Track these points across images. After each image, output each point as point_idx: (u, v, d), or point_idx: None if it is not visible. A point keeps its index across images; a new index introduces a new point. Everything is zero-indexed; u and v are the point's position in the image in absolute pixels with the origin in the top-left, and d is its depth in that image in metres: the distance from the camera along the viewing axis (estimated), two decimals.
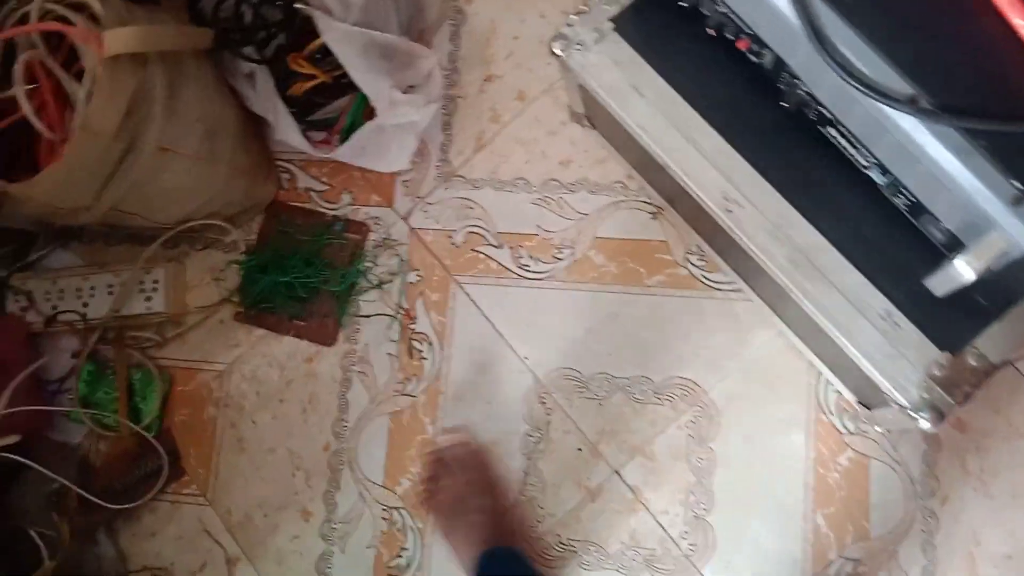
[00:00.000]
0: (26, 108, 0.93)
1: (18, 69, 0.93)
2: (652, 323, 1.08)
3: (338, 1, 1.02)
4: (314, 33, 1.02)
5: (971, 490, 0.99)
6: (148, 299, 1.14)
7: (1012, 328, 0.80)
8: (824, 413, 1.03)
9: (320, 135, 1.13)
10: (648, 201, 1.10)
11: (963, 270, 0.68)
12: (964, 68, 0.65)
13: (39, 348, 1.16)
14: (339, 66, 1.02)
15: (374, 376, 1.12)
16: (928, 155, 0.68)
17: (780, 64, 0.80)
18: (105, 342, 1.15)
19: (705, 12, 0.86)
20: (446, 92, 1.17)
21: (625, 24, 0.92)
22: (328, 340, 1.13)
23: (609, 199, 1.11)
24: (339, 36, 1.01)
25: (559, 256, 1.11)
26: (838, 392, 1.02)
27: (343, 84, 1.07)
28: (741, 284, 1.06)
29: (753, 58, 0.84)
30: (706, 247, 1.07)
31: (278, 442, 1.13)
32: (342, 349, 1.13)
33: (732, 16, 0.82)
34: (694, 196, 0.88)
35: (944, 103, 0.65)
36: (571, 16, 0.93)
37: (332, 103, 1.11)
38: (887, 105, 0.67)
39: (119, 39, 0.86)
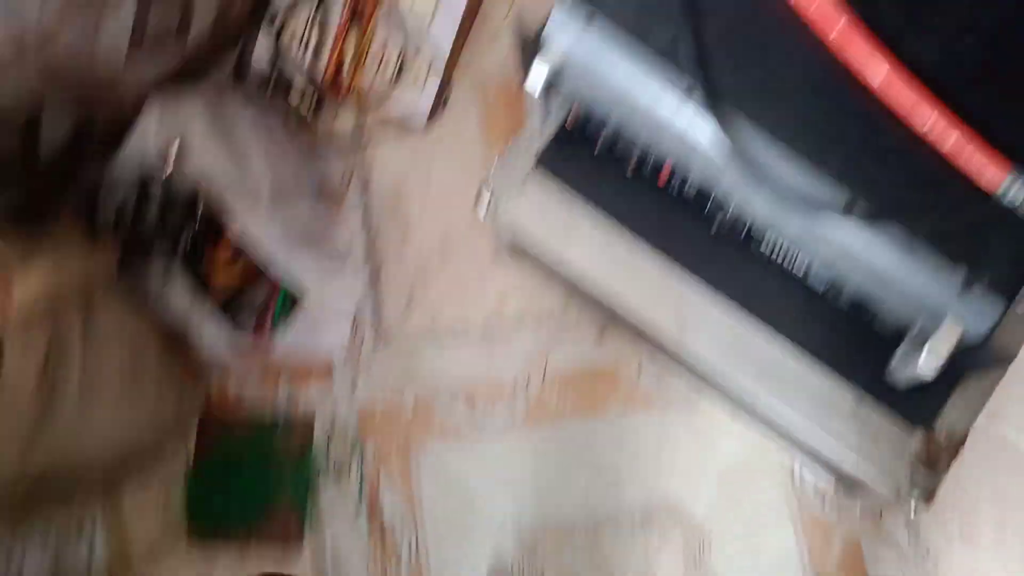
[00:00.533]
0: None
1: None
2: (621, 449, 1.06)
3: (242, 185, 1.00)
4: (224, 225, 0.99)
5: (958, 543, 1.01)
6: (89, 543, 1.04)
7: (970, 394, 0.84)
8: (807, 504, 1.04)
9: (249, 330, 1.09)
10: (593, 323, 1.11)
11: (926, 368, 0.71)
12: (895, 168, 0.69)
13: None
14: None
15: (349, 574, 1.05)
16: (872, 255, 0.72)
17: (707, 190, 0.83)
18: None
19: (622, 154, 0.90)
20: (369, 253, 1.15)
21: (548, 163, 0.93)
22: (294, 543, 1.06)
23: (553, 329, 1.11)
24: (253, 225, 0.98)
25: (515, 400, 1.09)
26: (816, 480, 1.03)
27: (263, 274, 1.04)
28: (701, 387, 1.07)
29: (677, 188, 0.87)
30: (660, 356, 1.08)
31: None
32: (309, 551, 1.06)
33: (649, 153, 0.85)
34: (646, 327, 0.89)
35: (882, 204, 0.69)
36: (490, 171, 0.94)
37: (257, 291, 1.07)
38: (830, 215, 0.70)
39: (28, 289, 0.80)
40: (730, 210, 0.82)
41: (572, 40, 0.75)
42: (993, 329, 0.70)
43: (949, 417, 0.83)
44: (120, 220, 1.01)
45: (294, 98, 1.15)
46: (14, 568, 1.02)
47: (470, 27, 1.20)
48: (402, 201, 1.17)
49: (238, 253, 1.03)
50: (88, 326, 0.90)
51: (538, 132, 0.92)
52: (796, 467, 1.04)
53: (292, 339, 1.04)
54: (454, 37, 1.15)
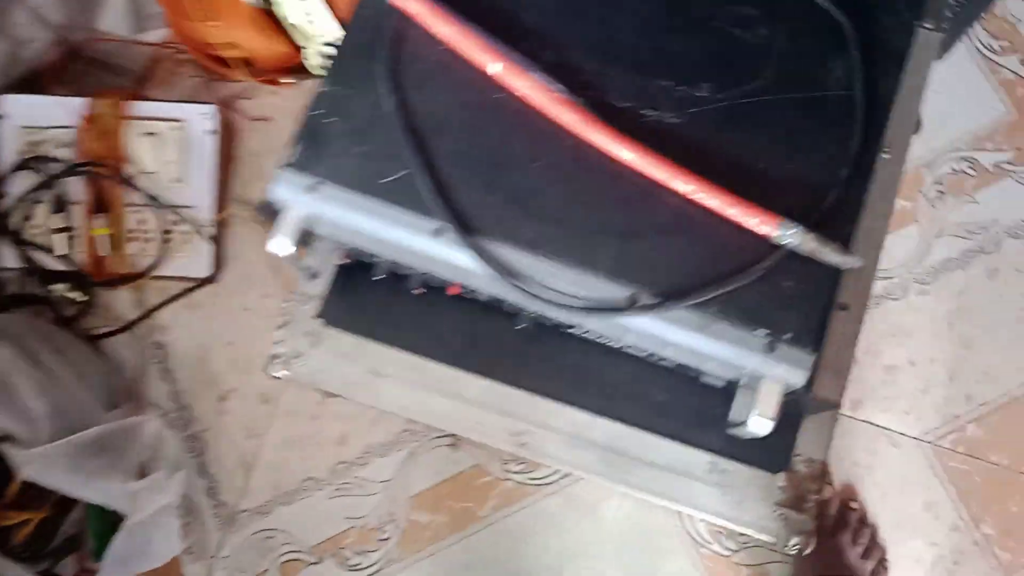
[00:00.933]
0: None
1: None
2: (509, 551, 1.01)
3: (20, 422, 0.88)
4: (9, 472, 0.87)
5: None
6: None
7: (817, 424, 0.82)
8: (704, 546, 1.01)
9: (68, 566, 0.97)
10: (441, 434, 1.04)
11: (760, 426, 0.68)
12: (665, 254, 0.66)
13: None
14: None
15: None
16: (673, 338, 0.68)
17: (498, 299, 0.78)
18: None
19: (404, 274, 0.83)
20: (186, 435, 1.05)
21: (334, 314, 0.86)
22: None
23: (403, 452, 1.04)
24: (38, 465, 0.87)
25: (384, 537, 1.02)
26: (705, 521, 1.01)
27: (69, 501, 0.92)
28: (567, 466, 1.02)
29: (470, 296, 0.82)
30: None
31: None
32: None
33: (428, 277, 0.79)
34: (485, 444, 0.84)
35: (663, 292, 0.65)
36: (276, 332, 0.86)
37: (65, 525, 0.95)
38: (614, 315, 0.66)
39: None
40: (526, 312, 0.77)
41: (305, 204, 0.68)
42: (811, 377, 0.67)
43: (804, 451, 0.81)
44: None
45: (59, 295, 1.04)
46: None
47: (228, 172, 1.12)
48: (208, 365, 1.08)
49: (31, 499, 0.91)
50: None
51: (309, 286, 0.85)
52: (685, 517, 1.01)
53: (120, 567, 0.93)
54: (213, 192, 1.07)
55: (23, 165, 1.05)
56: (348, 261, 0.84)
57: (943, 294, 1.08)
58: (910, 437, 1.04)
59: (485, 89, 0.68)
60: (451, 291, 0.82)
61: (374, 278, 0.83)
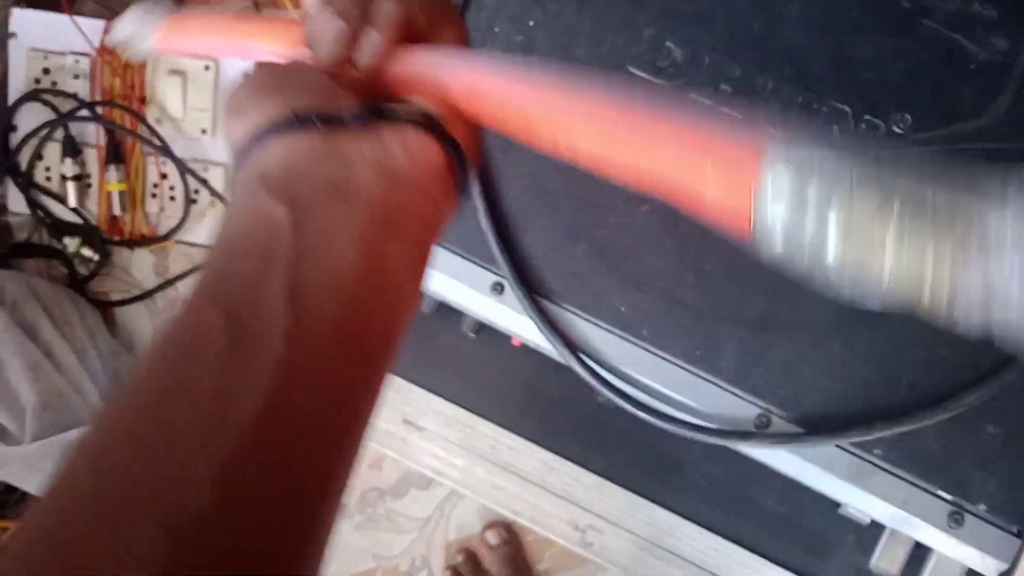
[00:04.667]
0: None
1: None
2: None
3: (5, 410, 0.76)
4: None
5: None
6: None
7: None
8: None
9: None
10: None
11: None
12: (814, 363, 0.46)
13: None
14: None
15: None
16: (810, 481, 0.48)
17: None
18: None
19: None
20: None
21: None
22: None
23: (446, 489, 0.88)
24: (16, 466, 0.75)
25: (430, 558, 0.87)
26: None
27: None
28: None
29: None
30: None
31: None
32: None
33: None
34: (537, 532, 0.67)
35: (805, 418, 0.46)
36: None
37: None
38: (729, 440, 0.46)
39: None
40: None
41: None
42: (1011, 568, 0.47)
43: None
44: None
45: (73, 251, 0.90)
46: None
47: None
48: None
49: (8, 499, 0.79)
50: None
51: None
52: None
53: None
54: None
55: (33, 95, 0.89)
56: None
57: None
58: None
59: None
60: (515, 342, 0.64)
61: (420, 309, 0.66)
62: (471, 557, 0.85)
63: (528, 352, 0.61)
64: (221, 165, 0.90)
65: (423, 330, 0.67)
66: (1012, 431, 0.45)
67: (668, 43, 0.47)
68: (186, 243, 0.93)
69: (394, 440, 0.70)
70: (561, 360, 0.48)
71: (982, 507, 0.45)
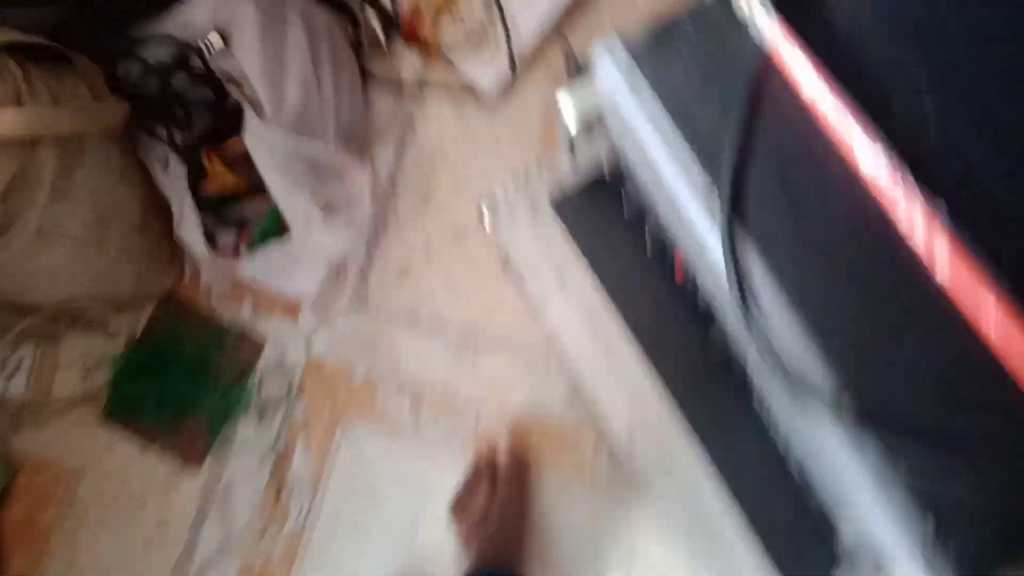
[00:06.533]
0: None
1: None
2: (551, 518, 0.96)
3: (272, 96, 0.92)
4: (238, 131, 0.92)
5: None
6: (9, 378, 1.03)
7: None
8: None
9: (229, 237, 1.03)
10: (566, 380, 0.99)
11: None
12: (901, 366, 0.55)
13: None
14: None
15: (232, 516, 1.01)
16: (844, 467, 0.58)
17: (711, 313, 0.70)
18: None
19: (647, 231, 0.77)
20: (378, 210, 1.07)
21: (564, 206, 0.83)
22: (194, 461, 1.02)
23: (525, 366, 1.00)
24: (261, 141, 0.91)
25: (459, 422, 1.00)
26: None
27: (260, 189, 0.97)
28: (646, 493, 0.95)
29: (687, 295, 0.74)
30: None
31: (113, 568, 1.01)
32: (206, 475, 1.02)
33: (669, 246, 0.72)
34: (598, 415, 0.79)
35: (870, 405, 0.55)
36: (508, 179, 0.84)
37: (247, 204, 1.01)
38: (799, 392, 0.57)
39: (8, 118, 0.77)
40: (727, 344, 0.69)
41: (619, 95, 0.62)
42: None
43: None
44: (144, 81, 0.96)
45: (364, 25, 1.06)
46: None
47: (571, 11, 1.07)
48: (435, 171, 1.08)
49: (239, 163, 0.96)
50: (65, 171, 0.87)
51: (558, 166, 0.81)
52: None
53: (262, 269, 0.98)
54: (544, 18, 1.03)
55: None
56: (611, 177, 0.79)
57: None
58: None
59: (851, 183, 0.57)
60: (678, 273, 0.76)
61: (622, 213, 0.78)
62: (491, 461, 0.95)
63: (680, 290, 0.72)
64: (515, 16, 1.03)
65: (613, 227, 0.79)
66: None
67: None
68: (450, 64, 1.07)
69: (540, 284, 0.82)
70: (725, 305, 0.59)
71: (953, 541, 0.54)
